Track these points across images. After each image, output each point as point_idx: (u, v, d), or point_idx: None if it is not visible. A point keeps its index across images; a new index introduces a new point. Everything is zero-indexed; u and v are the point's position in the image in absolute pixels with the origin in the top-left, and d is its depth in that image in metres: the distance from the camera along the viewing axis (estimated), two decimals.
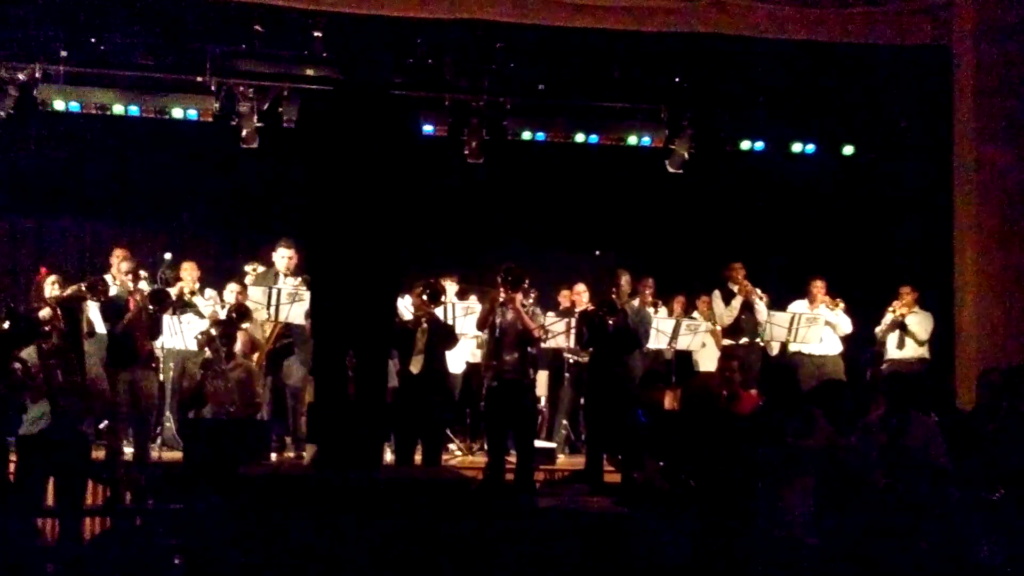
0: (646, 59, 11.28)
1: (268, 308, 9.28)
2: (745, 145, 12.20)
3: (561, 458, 9.86)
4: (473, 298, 10.02)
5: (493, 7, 9.91)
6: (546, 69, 11.49)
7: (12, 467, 6.94)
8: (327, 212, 5.13)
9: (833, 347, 10.67)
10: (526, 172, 12.16)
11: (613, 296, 8.94)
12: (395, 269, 5.40)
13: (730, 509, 6.46)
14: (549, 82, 11.60)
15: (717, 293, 10.96)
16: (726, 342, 10.82)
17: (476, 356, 9.89)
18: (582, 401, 9.82)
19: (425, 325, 8.48)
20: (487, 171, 11.82)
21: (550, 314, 10.07)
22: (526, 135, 11.88)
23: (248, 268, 10.09)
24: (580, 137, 12.02)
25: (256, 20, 10.34)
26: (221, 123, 11.27)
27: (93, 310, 8.90)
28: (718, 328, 10.86)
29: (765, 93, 11.72)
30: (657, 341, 10.12)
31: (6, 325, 7.62)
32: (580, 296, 10.39)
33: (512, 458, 8.64)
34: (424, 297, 8.56)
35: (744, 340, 10.73)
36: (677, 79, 11.55)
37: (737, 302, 10.78)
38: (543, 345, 9.50)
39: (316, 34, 10.46)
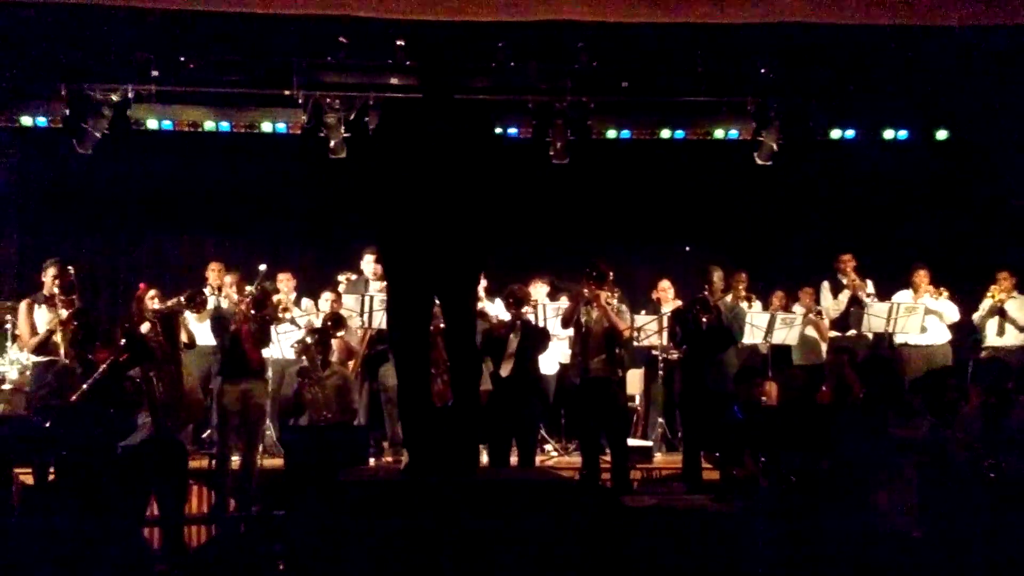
0: (730, 51, 11.14)
1: (361, 315, 9.41)
2: (835, 134, 11.98)
3: (658, 456, 9.80)
4: (564, 299, 10.02)
5: (573, 7, 9.86)
6: (629, 66, 11.41)
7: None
8: (407, 216, 5.14)
9: (940, 336, 10.44)
10: (612, 170, 12.12)
11: (706, 292, 8.87)
12: (478, 271, 5.40)
13: (832, 504, 6.36)
14: (632, 79, 11.52)
15: (826, 284, 10.82)
16: (833, 334, 10.66)
17: (568, 357, 9.88)
18: (677, 398, 9.75)
19: (516, 327, 8.52)
20: (573, 171, 11.79)
21: (643, 312, 10.02)
22: (611, 133, 11.82)
23: (341, 277, 10.23)
24: (666, 133, 11.92)
25: (340, 32, 10.44)
26: (309, 135, 11.43)
27: (192, 322, 9.10)
28: (825, 320, 10.71)
29: (854, 80, 11.50)
30: (752, 336, 10.01)
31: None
32: (665, 293, 10.32)
33: (608, 457, 8.62)
34: (509, 302, 8.61)
35: (852, 332, 10.56)
36: (763, 70, 11.38)
37: (845, 295, 10.63)
38: (635, 343, 9.45)
39: (399, 42, 10.54)
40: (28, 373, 9.22)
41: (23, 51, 10.55)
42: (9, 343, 9.65)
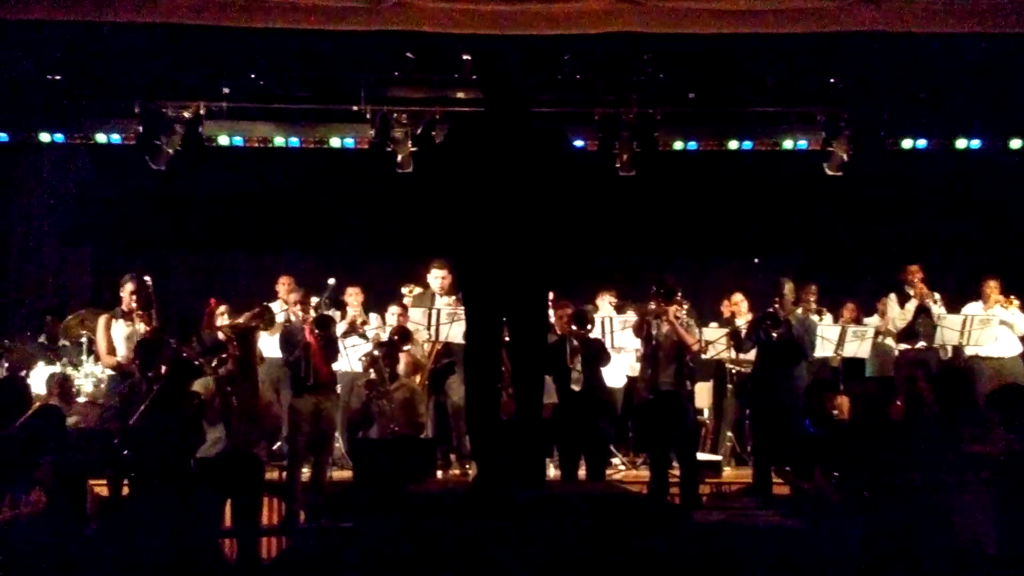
0: (798, 61, 11.03)
1: (428, 328, 9.45)
2: (907, 143, 11.81)
3: (727, 471, 9.71)
4: (631, 312, 9.98)
5: (639, 19, 9.83)
6: (695, 77, 11.35)
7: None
8: (477, 230, 5.15)
9: (1011, 348, 10.24)
10: (679, 182, 12.06)
11: (776, 305, 8.79)
12: (546, 286, 5.40)
13: (905, 520, 6.24)
14: (699, 90, 11.46)
15: (892, 296, 10.65)
16: (902, 347, 10.50)
17: (636, 370, 9.83)
18: (747, 412, 9.66)
19: (577, 343, 8.52)
20: (640, 183, 11.75)
21: (712, 324, 9.94)
22: (678, 145, 11.77)
23: (404, 290, 10.28)
24: (733, 144, 11.83)
25: (406, 47, 10.52)
26: (377, 150, 11.52)
27: (262, 337, 9.19)
28: (891, 330, 10.57)
29: (926, 88, 11.33)
30: (823, 349, 9.89)
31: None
32: (739, 306, 10.24)
33: (676, 471, 8.56)
34: (573, 326, 8.62)
35: (921, 344, 10.39)
36: (832, 79, 11.26)
37: (912, 305, 10.45)
38: (704, 356, 9.39)
39: (465, 57, 10.59)
40: (103, 386, 9.38)
41: (98, 70, 10.77)
42: (84, 356, 9.83)
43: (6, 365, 9.86)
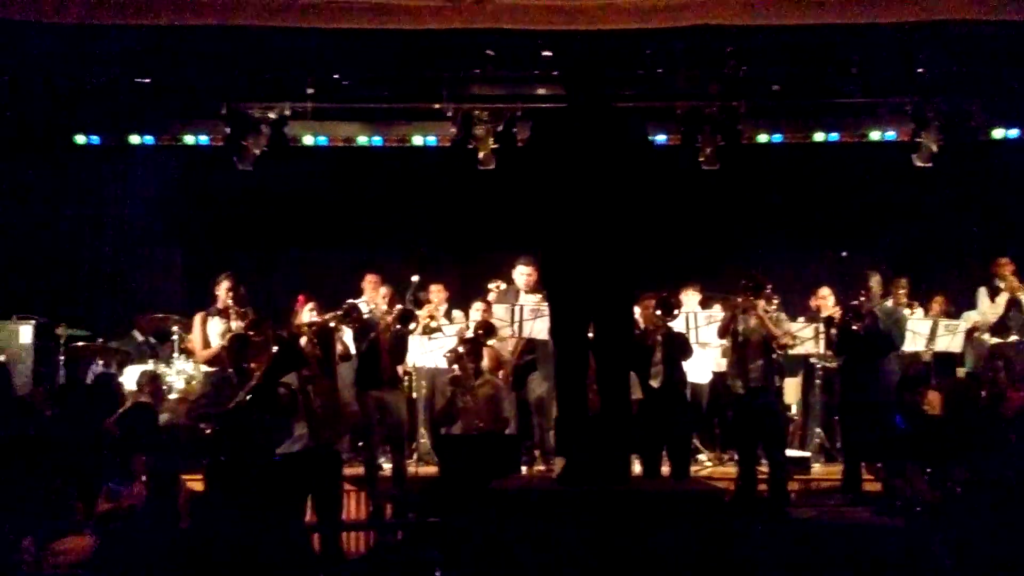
0: (885, 50, 10.82)
1: (511, 324, 9.47)
2: (998, 133, 11.52)
3: (816, 467, 9.57)
4: (716, 307, 9.90)
5: (721, 11, 9.74)
6: (779, 69, 11.19)
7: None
8: (561, 226, 5.15)
9: None
10: (764, 175, 11.92)
11: (862, 299, 8.66)
12: (631, 280, 5.38)
13: (1001, 516, 6.10)
14: (783, 82, 11.31)
15: (983, 290, 10.41)
16: (993, 340, 10.25)
17: (722, 365, 9.74)
18: (836, 407, 9.52)
19: (660, 338, 8.48)
20: (724, 177, 11.63)
21: (800, 319, 9.82)
22: (762, 138, 11.64)
23: (491, 286, 10.31)
24: (819, 136, 11.66)
25: (487, 44, 10.54)
26: (459, 147, 11.56)
27: (348, 334, 9.29)
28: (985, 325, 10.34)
29: (1017, 77, 11.02)
30: (914, 343, 9.70)
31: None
32: (825, 300, 10.08)
33: (764, 468, 8.47)
34: (658, 312, 8.57)
35: (1013, 338, 10.14)
36: (920, 69, 11.02)
37: (1003, 299, 10.20)
38: (792, 351, 9.28)
39: (545, 53, 10.58)
40: (195, 383, 9.56)
41: (186, 73, 10.98)
42: (176, 354, 10.02)
43: (100, 364, 10.10)
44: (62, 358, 10.10)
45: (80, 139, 11.65)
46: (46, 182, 11.49)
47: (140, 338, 10.55)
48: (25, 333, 9.93)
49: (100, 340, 10.36)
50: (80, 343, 10.23)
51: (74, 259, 12.28)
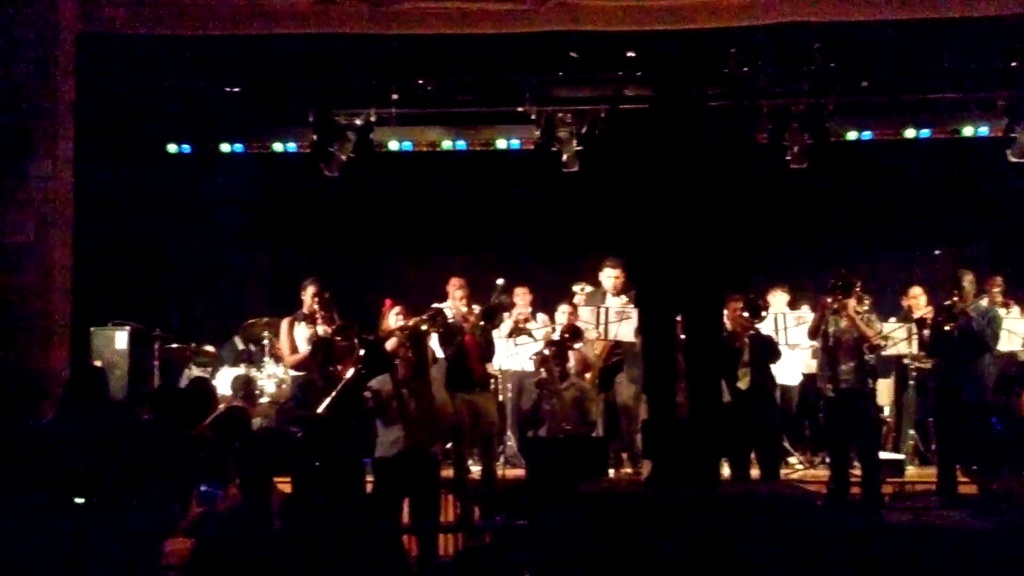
0: (977, 45, 10.58)
1: (597, 327, 9.44)
2: None
3: (910, 470, 9.39)
4: (805, 307, 9.77)
5: (807, 7, 9.62)
6: (868, 65, 11.01)
7: (369, 487, 7.40)
8: (648, 228, 5.14)
9: None
10: (853, 173, 11.72)
11: (955, 298, 8.48)
12: (720, 282, 5.34)
13: None
14: (872, 78, 11.12)
15: None
16: None
17: (812, 367, 9.61)
18: (930, 409, 9.33)
19: (747, 340, 8.40)
20: (812, 175, 11.47)
21: (891, 320, 9.65)
22: (851, 135, 11.45)
23: (576, 288, 10.29)
24: (910, 132, 11.44)
25: (570, 46, 10.54)
26: (542, 150, 11.56)
27: (433, 338, 9.35)
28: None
29: None
30: (1010, 343, 9.45)
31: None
32: (916, 300, 9.89)
33: (857, 471, 8.35)
34: (745, 313, 8.49)
35: None
36: (1013, 63, 10.75)
37: None
38: (883, 352, 9.12)
39: (629, 54, 10.54)
40: (285, 387, 9.70)
41: (274, 81, 11.16)
42: (267, 358, 10.18)
43: (193, 368, 10.31)
44: (157, 363, 10.32)
45: (172, 148, 11.90)
46: (140, 190, 11.74)
47: (241, 346, 10.72)
48: (121, 339, 10.14)
49: (193, 345, 10.56)
50: (174, 346, 10.45)
51: (167, 266, 12.54)
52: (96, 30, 8.79)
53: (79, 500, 5.02)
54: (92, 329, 10.09)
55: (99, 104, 9.63)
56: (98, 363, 9.73)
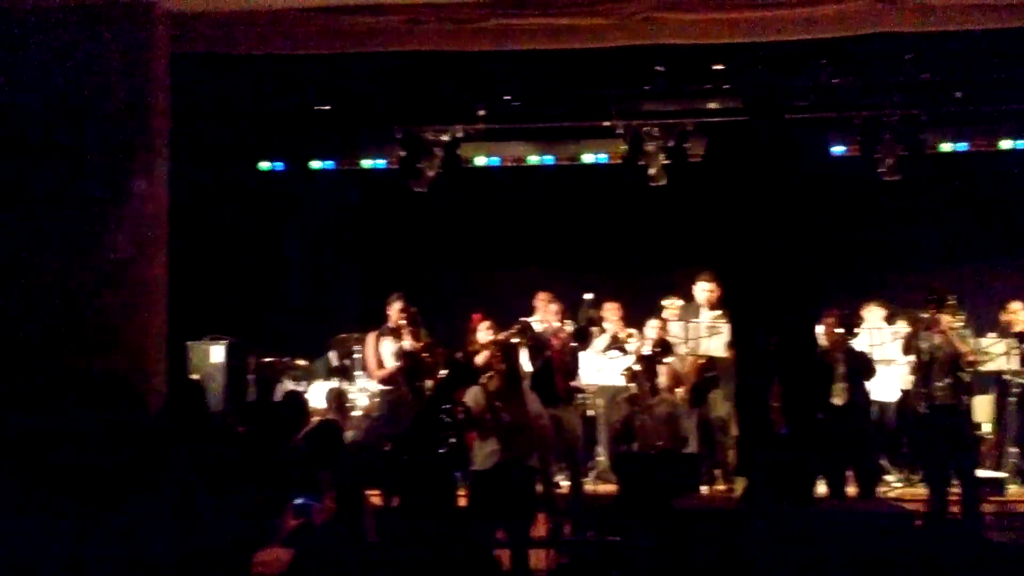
0: None
1: (687, 342, 9.37)
2: None
3: (1012, 489, 9.14)
4: (902, 323, 9.59)
5: (899, 18, 9.46)
6: (962, 75, 10.80)
7: (463, 500, 7.43)
8: (742, 243, 5.10)
9: None
10: (948, 185, 11.50)
11: None
12: (814, 297, 5.29)
13: None
14: (967, 89, 10.90)
15: None
16: None
17: (910, 383, 9.43)
18: None
19: (841, 356, 8.29)
20: (905, 188, 11.27)
21: (990, 335, 9.43)
22: (945, 147, 11.23)
23: (665, 303, 10.24)
24: (1007, 144, 11.20)
25: (656, 60, 10.50)
26: (629, 164, 11.54)
27: (523, 352, 9.37)
28: None
29: None
30: None
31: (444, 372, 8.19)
32: (1016, 314, 9.67)
33: (956, 489, 8.16)
34: (839, 329, 8.38)
35: None
36: None
37: None
38: (982, 368, 8.92)
39: (717, 67, 10.47)
40: (376, 400, 9.79)
41: (362, 98, 11.30)
42: (359, 372, 10.28)
43: (287, 382, 10.46)
44: (252, 376, 10.49)
45: (265, 165, 12.10)
46: (234, 207, 11.97)
47: (335, 361, 10.84)
48: (217, 353, 10.34)
49: (287, 358, 10.72)
50: (268, 360, 10.61)
51: (261, 280, 12.75)
52: (190, 50, 8.97)
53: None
54: (189, 343, 10.31)
55: (193, 123, 9.83)
56: (195, 377, 9.94)
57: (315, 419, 7.78)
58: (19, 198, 8.33)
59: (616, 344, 9.59)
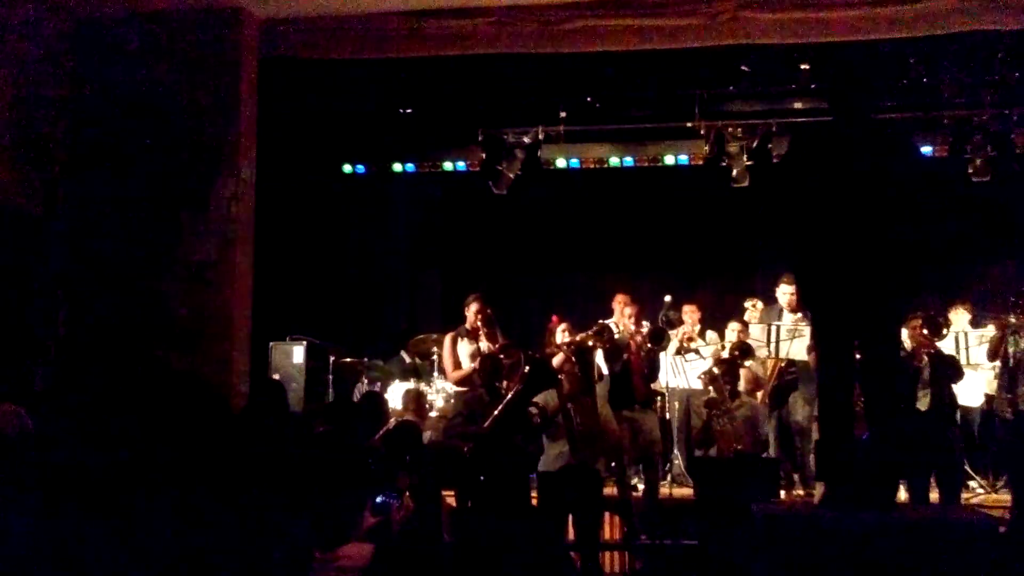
0: None
1: (768, 345, 9.28)
2: None
3: None
4: (991, 326, 9.38)
5: (990, 15, 9.25)
6: None
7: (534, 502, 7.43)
8: (824, 245, 5.04)
9: None
10: None
11: None
12: (898, 299, 5.20)
13: None
14: None
15: None
16: None
17: (995, 388, 9.23)
18: None
19: (926, 360, 8.13)
20: (995, 188, 11.02)
21: None
22: None
23: (747, 304, 10.15)
24: None
25: (741, 60, 10.41)
26: (711, 165, 11.46)
27: (599, 355, 9.34)
28: None
29: None
30: None
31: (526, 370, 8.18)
32: None
33: None
34: (925, 331, 8.21)
35: None
36: None
37: None
38: None
39: (803, 67, 10.35)
40: (453, 401, 9.84)
41: (443, 101, 11.39)
42: (436, 373, 10.35)
43: (366, 382, 10.56)
44: (331, 376, 10.61)
45: (347, 168, 12.24)
46: (317, 209, 12.14)
47: (408, 360, 10.94)
48: (298, 353, 10.49)
49: (366, 359, 10.83)
50: (348, 360, 10.73)
51: (342, 282, 12.91)
52: (276, 55, 9.12)
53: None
54: (271, 344, 10.47)
55: (279, 126, 9.99)
56: (276, 376, 10.09)
57: (392, 420, 7.85)
58: (110, 200, 8.57)
59: (684, 347, 9.50)
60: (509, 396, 7.41)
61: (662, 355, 9.43)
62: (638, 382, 8.78)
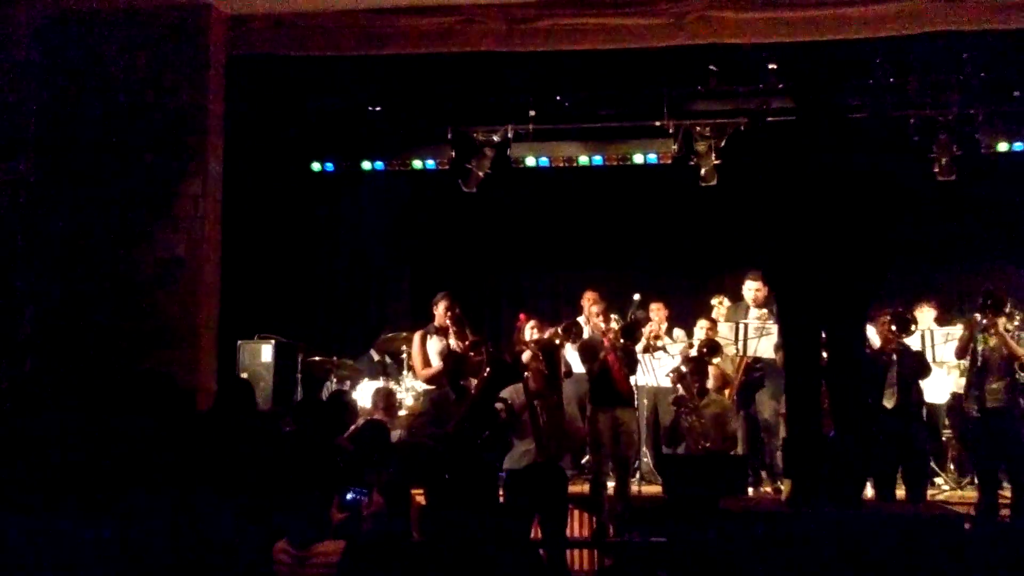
0: None
1: (736, 343, 9.32)
2: None
3: None
4: (959, 324, 9.47)
5: (957, 16, 9.34)
6: (1020, 74, 10.63)
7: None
8: (791, 244, 5.08)
9: None
10: (1005, 185, 11.32)
11: None
12: (864, 297, 5.24)
13: None
14: None
15: None
16: None
17: (961, 385, 9.31)
18: None
19: (895, 356, 8.19)
20: (960, 188, 11.12)
21: None
22: (1002, 146, 11.05)
23: (714, 301, 10.19)
24: None
25: (709, 60, 10.45)
26: (679, 164, 11.50)
27: (569, 352, 9.36)
28: None
29: None
30: None
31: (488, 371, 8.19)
32: None
33: (1007, 492, 8.06)
34: (893, 328, 8.28)
35: None
36: None
37: None
38: None
39: (771, 66, 10.40)
40: (422, 400, 9.84)
41: (413, 99, 11.37)
42: (405, 371, 10.34)
43: (335, 380, 10.54)
44: (300, 375, 10.58)
45: (316, 166, 12.20)
46: (285, 207, 12.08)
47: (376, 358, 10.93)
48: (266, 352, 10.45)
49: (335, 358, 10.80)
50: (316, 359, 10.70)
51: (311, 280, 12.87)
52: (244, 52, 9.08)
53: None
54: (239, 342, 10.42)
55: (246, 124, 9.94)
56: (244, 375, 10.04)
57: (361, 419, 7.83)
58: (77, 195, 8.50)
59: (651, 345, 9.51)
60: (474, 394, 7.42)
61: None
62: (619, 380, 8.72)
